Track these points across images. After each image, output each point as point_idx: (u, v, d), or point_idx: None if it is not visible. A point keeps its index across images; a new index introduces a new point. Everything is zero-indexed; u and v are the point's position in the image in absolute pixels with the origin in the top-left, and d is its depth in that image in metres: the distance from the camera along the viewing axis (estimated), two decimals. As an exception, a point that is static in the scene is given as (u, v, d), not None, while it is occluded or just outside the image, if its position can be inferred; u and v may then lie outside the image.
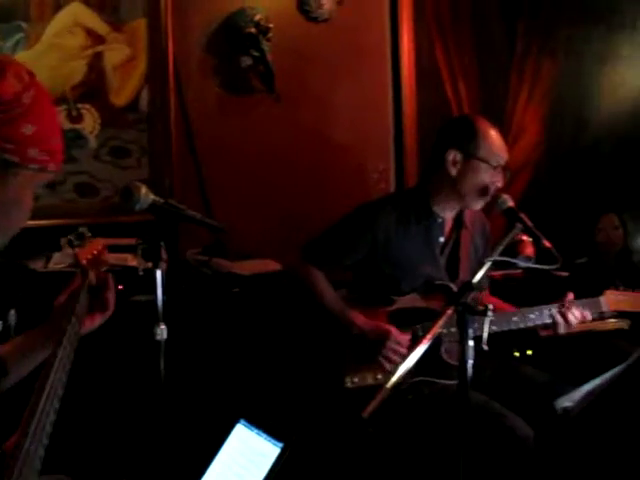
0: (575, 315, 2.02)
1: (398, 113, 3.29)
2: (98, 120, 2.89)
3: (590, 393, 1.65)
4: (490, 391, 2.02)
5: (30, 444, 1.12)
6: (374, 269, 2.09)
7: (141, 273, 1.87)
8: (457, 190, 2.07)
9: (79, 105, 2.86)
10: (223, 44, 3.01)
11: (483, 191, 2.04)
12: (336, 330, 2.05)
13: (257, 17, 2.97)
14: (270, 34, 2.99)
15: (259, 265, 2.74)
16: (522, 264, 1.94)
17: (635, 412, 1.69)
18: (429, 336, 1.38)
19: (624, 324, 2.48)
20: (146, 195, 1.58)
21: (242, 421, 1.56)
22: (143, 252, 1.88)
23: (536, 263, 1.92)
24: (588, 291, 2.12)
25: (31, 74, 1.17)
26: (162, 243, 1.67)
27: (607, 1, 3.52)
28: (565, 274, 2.92)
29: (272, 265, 2.75)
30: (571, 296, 2.06)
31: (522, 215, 1.83)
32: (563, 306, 2.03)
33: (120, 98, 2.91)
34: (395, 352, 1.97)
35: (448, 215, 2.14)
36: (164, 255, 1.76)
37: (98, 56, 2.87)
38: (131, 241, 2.15)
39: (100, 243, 1.69)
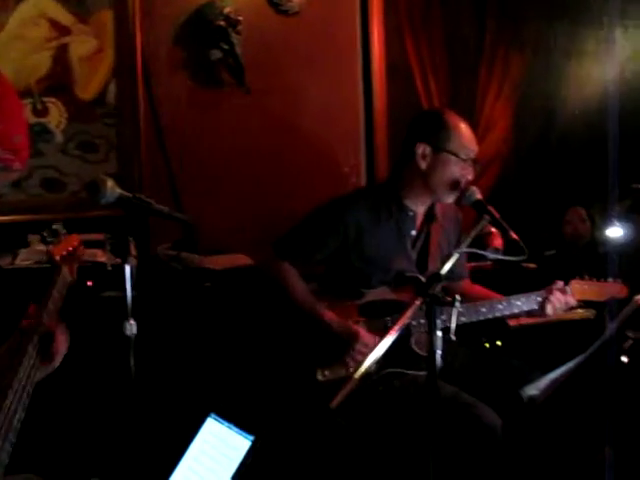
0: (561, 301, 2.06)
1: (369, 107, 3.31)
2: (64, 114, 2.84)
3: (554, 381, 1.69)
4: (460, 382, 2.04)
5: None
6: (345, 263, 2.10)
7: (110, 268, 1.85)
8: (428, 184, 2.08)
9: (44, 99, 2.81)
10: (192, 37, 2.98)
11: (454, 184, 2.05)
12: (307, 324, 2.05)
13: (226, 10, 2.95)
14: (240, 27, 2.97)
15: (230, 259, 2.73)
16: (490, 256, 1.97)
17: (595, 399, 1.73)
18: (397, 327, 1.39)
19: (590, 314, 2.53)
20: (112, 189, 1.56)
21: (213, 415, 1.56)
22: (112, 247, 1.86)
23: (504, 255, 1.95)
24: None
25: None
26: (131, 238, 1.65)
27: (573, -3, 3.58)
28: (533, 266, 2.97)
29: (243, 259, 2.74)
30: (560, 284, 2.09)
31: (490, 207, 1.85)
32: (551, 292, 2.06)
33: (87, 91, 2.86)
34: (362, 354, 1.95)
35: (420, 209, 2.15)
36: (133, 250, 1.74)
37: (63, 48, 2.82)
38: (99, 237, 2.13)
39: (76, 239, 1.68)
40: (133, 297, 1.60)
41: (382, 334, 1.45)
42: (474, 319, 2.06)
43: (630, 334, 1.99)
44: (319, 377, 2.00)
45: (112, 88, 2.89)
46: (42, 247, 1.62)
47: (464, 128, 2.09)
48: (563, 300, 2.08)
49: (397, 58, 3.40)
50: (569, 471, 1.97)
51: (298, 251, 2.09)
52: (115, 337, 1.60)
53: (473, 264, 2.55)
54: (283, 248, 2.11)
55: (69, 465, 2.22)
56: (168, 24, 2.96)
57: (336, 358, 2.00)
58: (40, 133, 2.80)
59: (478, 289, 2.28)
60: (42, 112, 2.82)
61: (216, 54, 2.98)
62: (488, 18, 3.57)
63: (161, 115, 2.95)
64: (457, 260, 1.64)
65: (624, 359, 2.01)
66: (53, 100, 2.83)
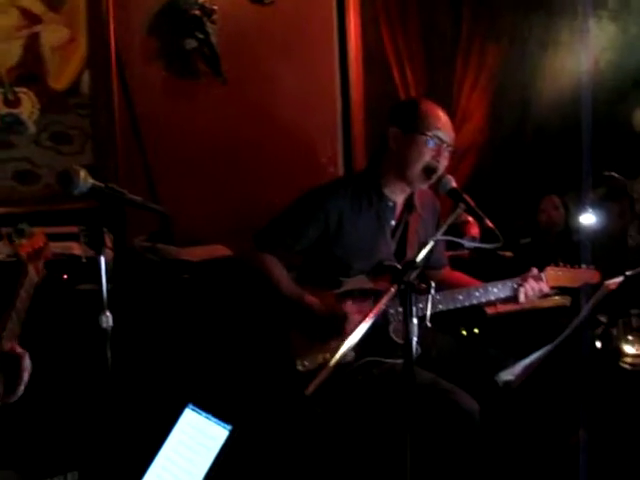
0: (534, 288, 2.09)
1: (346, 97, 3.30)
2: (37, 105, 2.79)
3: (529, 367, 1.71)
4: (438, 368, 2.06)
5: None
6: (325, 252, 2.10)
7: (84, 261, 1.83)
8: (401, 168, 2.09)
9: (16, 89, 2.76)
10: (167, 26, 2.95)
11: (427, 169, 2.06)
12: (284, 314, 2.06)
13: (201, -1, 2.92)
14: (215, 16, 2.94)
15: (207, 251, 2.71)
16: (467, 244, 1.98)
17: (569, 383, 1.76)
18: (372, 314, 1.39)
19: (566, 301, 2.57)
20: (85, 179, 1.55)
21: (190, 405, 1.56)
22: (88, 240, 1.83)
23: (480, 243, 1.96)
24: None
25: None
26: (106, 230, 1.64)
27: (548, -13, 3.61)
28: (509, 254, 3.00)
29: (221, 250, 2.73)
30: (535, 271, 2.12)
31: (465, 196, 1.86)
32: (525, 280, 2.09)
33: (60, 81, 2.81)
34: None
35: (399, 198, 2.16)
36: (108, 242, 1.72)
37: (35, 37, 2.76)
38: (73, 229, 2.10)
39: (42, 238, 1.66)
40: (109, 289, 1.58)
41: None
42: (451, 307, 2.08)
43: (602, 319, 2.03)
44: (299, 367, 2.00)
45: (86, 78, 2.84)
46: (8, 247, 1.60)
47: (438, 113, 2.10)
48: (537, 287, 2.11)
49: (374, 48, 3.40)
50: (544, 453, 2.01)
51: (279, 242, 2.09)
52: (91, 330, 1.59)
53: (451, 253, 2.57)
54: (264, 239, 2.10)
55: (47, 459, 2.20)
56: (142, 13, 2.92)
57: (315, 345, 2.01)
58: (12, 124, 2.75)
59: (458, 276, 2.30)
60: (14, 103, 2.76)
61: (191, 43, 2.95)
62: (464, 8, 3.59)
63: (136, 105, 2.91)
64: (436, 248, 1.66)
65: (597, 344, 2.05)
66: (25, 90, 2.77)
